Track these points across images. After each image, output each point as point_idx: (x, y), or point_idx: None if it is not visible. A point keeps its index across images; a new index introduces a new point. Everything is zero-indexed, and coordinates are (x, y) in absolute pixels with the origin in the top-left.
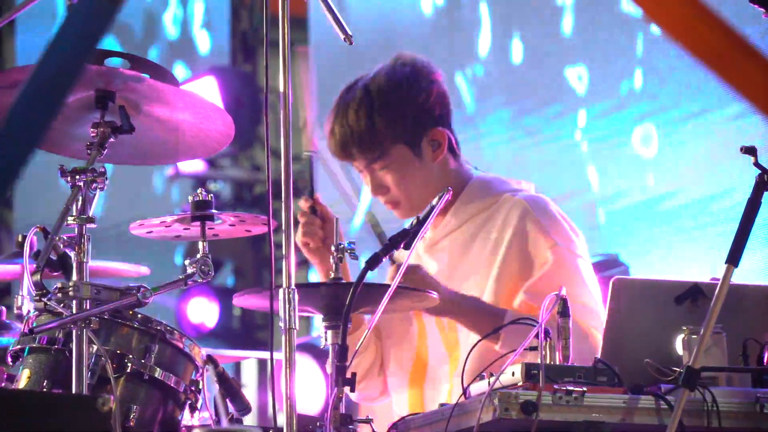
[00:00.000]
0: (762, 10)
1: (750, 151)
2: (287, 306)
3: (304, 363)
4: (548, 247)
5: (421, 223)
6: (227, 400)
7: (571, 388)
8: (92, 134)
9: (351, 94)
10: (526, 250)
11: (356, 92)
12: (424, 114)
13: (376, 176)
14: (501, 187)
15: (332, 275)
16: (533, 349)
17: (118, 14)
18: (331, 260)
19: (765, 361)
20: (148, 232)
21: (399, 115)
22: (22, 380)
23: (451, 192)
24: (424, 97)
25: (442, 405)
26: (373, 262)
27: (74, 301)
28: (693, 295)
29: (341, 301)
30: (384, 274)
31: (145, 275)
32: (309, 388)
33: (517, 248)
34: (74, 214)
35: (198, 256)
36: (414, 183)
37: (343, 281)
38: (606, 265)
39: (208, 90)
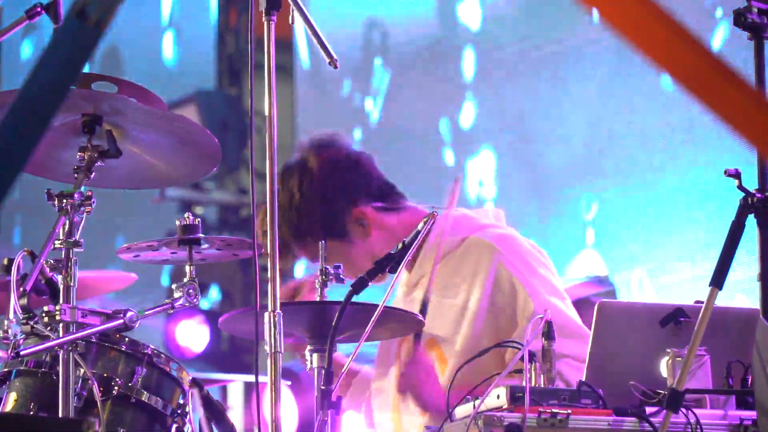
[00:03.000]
0: (746, 33)
1: (734, 174)
2: (273, 329)
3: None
4: (527, 295)
5: (406, 247)
6: (212, 423)
7: (555, 410)
8: (79, 158)
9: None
10: (506, 301)
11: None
12: (334, 204)
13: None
14: (468, 226)
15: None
16: (518, 371)
17: (104, 38)
18: (316, 284)
19: (749, 383)
20: (135, 256)
21: (309, 220)
22: (9, 403)
23: (437, 215)
24: (336, 184)
25: (426, 428)
26: (359, 286)
27: (61, 325)
28: (677, 317)
29: (327, 324)
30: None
31: (134, 280)
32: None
33: (494, 297)
34: (61, 237)
35: (185, 280)
36: (358, 261)
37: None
38: (593, 285)
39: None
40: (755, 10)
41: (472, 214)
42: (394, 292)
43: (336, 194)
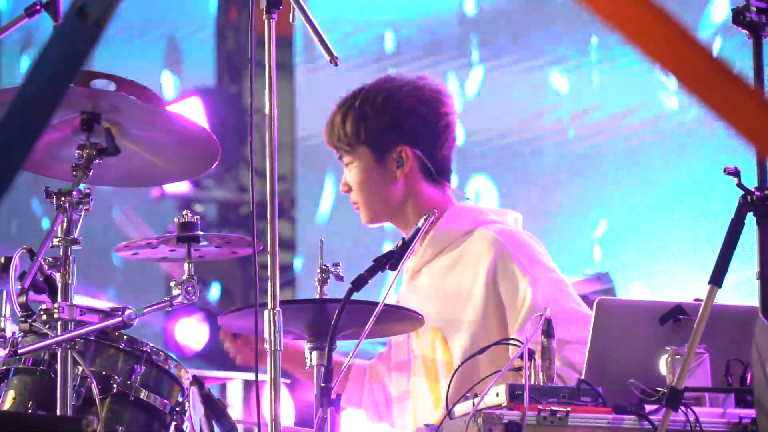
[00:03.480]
0: (745, 32)
1: (733, 173)
2: (272, 327)
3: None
4: (527, 283)
5: (406, 244)
6: (213, 421)
7: (555, 408)
8: (78, 156)
9: (350, 93)
10: (506, 289)
11: (353, 92)
12: (401, 129)
13: (345, 172)
14: (476, 219)
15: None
16: (518, 369)
17: (103, 35)
18: (316, 282)
19: (748, 381)
20: (133, 254)
21: (373, 118)
22: (7, 401)
23: (437, 214)
24: (408, 114)
25: (426, 426)
26: (358, 284)
27: (59, 323)
28: (676, 315)
29: (326, 321)
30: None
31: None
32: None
33: (495, 286)
34: (59, 235)
35: (183, 277)
36: (370, 189)
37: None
38: (593, 283)
39: (194, 111)
40: (754, 9)
41: (483, 209)
42: (396, 286)
43: (407, 122)
